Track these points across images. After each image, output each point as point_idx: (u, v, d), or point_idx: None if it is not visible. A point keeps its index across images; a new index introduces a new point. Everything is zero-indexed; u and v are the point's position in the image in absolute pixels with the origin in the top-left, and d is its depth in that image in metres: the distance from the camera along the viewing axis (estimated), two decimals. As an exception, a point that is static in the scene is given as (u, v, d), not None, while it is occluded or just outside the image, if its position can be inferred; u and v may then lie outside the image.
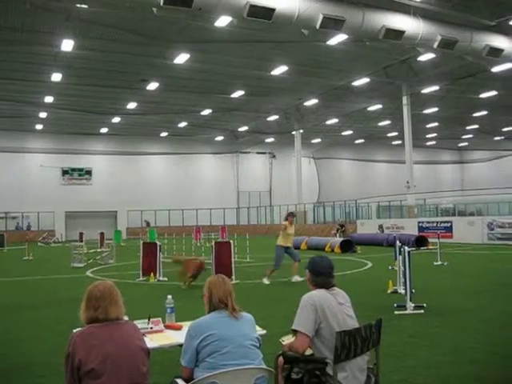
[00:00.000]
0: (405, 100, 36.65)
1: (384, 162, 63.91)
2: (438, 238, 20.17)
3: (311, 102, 39.60)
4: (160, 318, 4.86)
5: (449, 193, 54.90)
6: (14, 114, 40.39)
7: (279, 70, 30.66)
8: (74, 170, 51.04)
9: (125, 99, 37.17)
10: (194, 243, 27.60)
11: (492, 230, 28.02)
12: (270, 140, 54.85)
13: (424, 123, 47.52)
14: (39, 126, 45.93)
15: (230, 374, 3.46)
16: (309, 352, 4.10)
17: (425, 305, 9.66)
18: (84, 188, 50.75)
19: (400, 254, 10.69)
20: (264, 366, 3.70)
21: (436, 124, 49.79)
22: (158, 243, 15.78)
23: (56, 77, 30.12)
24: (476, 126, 51.87)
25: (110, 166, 52.22)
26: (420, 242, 24.04)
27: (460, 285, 13.10)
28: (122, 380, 3.27)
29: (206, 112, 41.85)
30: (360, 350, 3.89)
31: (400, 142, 48.60)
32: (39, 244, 37.94)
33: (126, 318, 3.66)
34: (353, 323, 4.12)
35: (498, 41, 23.19)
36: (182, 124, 46.73)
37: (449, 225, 30.54)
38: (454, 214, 40.06)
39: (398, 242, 11.75)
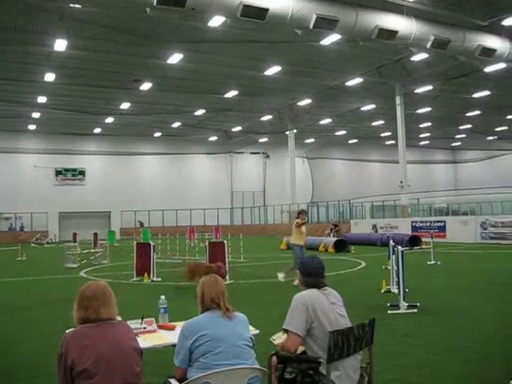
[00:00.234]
0: (398, 100, 36.75)
1: (378, 162, 64.02)
2: (432, 237, 20.21)
3: (305, 101, 39.63)
4: (153, 318, 4.85)
5: (442, 192, 55.10)
6: (6, 114, 40.19)
7: (273, 70, 30.66)
8: (67, 170, 50.86)
9: (118, 99, 37.09)
10: (188, 243, 27.56)
11: (485, 229, 28.13)
12: (263, 140, 54.87)
13: (417, 123, 47.65)
14: (32, 127, 45.76)
15: (223, 374, 3.45)
16: (301, 349, 4.11)
17: (418, 304, 9.68)
18: (77, 188, 50.59)
19: (393, 253, 10.71)
20: (257, 366, 3.70)
21: (429, 124, 49.92)
22: (152, 243, 15.76)
23: (49, 77, 30.01)
24: (469, 126, 52.04)
25: (104, 166, 52.09)
26: (413, 241, 24.11)
27: (453, 284, 13.14)
28: (115, 380, 3.26)
29: (200, 112, 41.82)
30: (353, 350, 3.90)
31: (393, 141, 48.71)
32: (32, 245, 37.81)
33: (119, 318, 3.65)
34: (345, 322, 4.13)
35: (491, 41, 23.28)
36: (176, 124, 46.68)
37: (442, 224, 30.65)
38: (447, 214, 40.20)
39: (391, 241, 11.77)
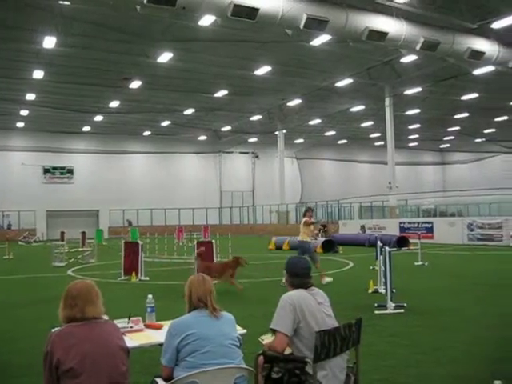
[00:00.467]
0: (387, 101, 36.91)
1: (366, 163, 64.23)
2: (419, 238, 20.26)
3: (294, 102, 39.66)
4: (140, 318, 4.84)
5: (430, 194, 55.37)
6: (-6, 111, 39.97)
7: (263, 70, 30.66)
8: (55, 168, 50.57)
9: (107, 97, 36.93)
10: (176, 243, 27.52)
11: (472, 230, 28.27)
12: (253, 140, 54.88)
13: (406, 124, 47.88)
14: (20, 124, 45.45)
15: (210, 374, 3.45)
16: (289, 351, 4.11)
17: (405, 304, 9.72)
18: (66, 187, 50.32)
19: (381, 254, 10.75)
20: (244, 366, 3.70)
21: (418, 125, 50.18)
22: (140, 242, 15.72)
23: (38, 74, 29.82)
24: (457, 128, 52.36)
25: (92, 164, 51.85)
26: (401, 242, 24.18)
27: (440, 285, 13.20)
28: (102, 379, 3.24)
29: (189, 111, 41.76)
30: (339, 349, 3.91)
31: (382, 142, 48.86)
32: (20, 243, 37.56)
33: (105, 317, 3.64)
34: (332, 322, 4.14)
35: (480, 44, 23.44)
36: (165, 123, 46.57)
37: (430, 225, 30.77)
38: (435, 215, 40.38)
39: (379, 242, 11.81)
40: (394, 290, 10.02)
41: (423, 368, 6.15)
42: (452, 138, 59.12)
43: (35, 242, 40.24)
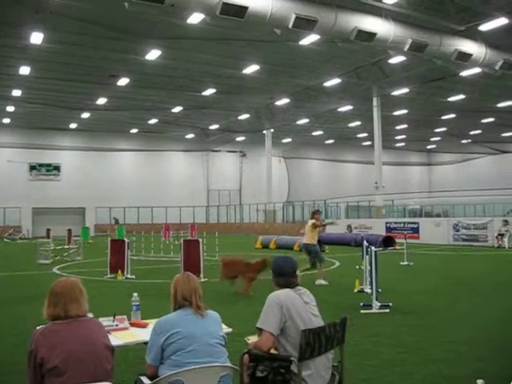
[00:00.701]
0: (375, 101, 37.04)
1: (353, 163, 64.39)
2: (405, 238, 20.36)
3: (282, 101, 39.63)
4: (125, 316, 4.83)
5: (416, 194, 55.69)
6: (-20, 107, 39.59)
7: (251, 69, 30.61)
8: (41, 165, 50.15)
9: (94, 94, 36.67)
10: (163, 241, 27.47)
11: (457, 231, 28.46)
12: (240, 139, 54.82)
13: (393, 125, 48.06)
14: (6, 120, 44.99)
15: (195, 372, 3.45)
16: (273, 352, 4.12)
17: (390, 304, 9.78)
18: (52, 184, 49.93)
19: (367, 253, 10.79)
20: (229, 364, 3.70)
21: (405, 126, 50.36)
22: (127, 240, 15.67)
23: (24, 70, 29.53)
24: (444, 129, 52.64)
25: (79, 161, 51.44)
26: (387, 242, 24.26)
27: (425, 285, 13.29)
28: (86, 377, 3.23)
29: (177, 109, 41.62)
30: (324, 349, 3.93)
31: (370, 142, 49.06)
32: (5, 240, 37.33)
33: (90, 315, 3.62)
34: (318, 322, 4.15)
35: (467, 46, 23.57)
36: (153, 121, 46.36)
37: (416, 226, 30.93)
38: (420, 215, 40.64)
39: (365, 241, 11.85)
40: (379, 290, 10.07)
41: (408, 367, 6.19)
42: (438, 138, 59.39)
43: (20, 239, 40.02)
